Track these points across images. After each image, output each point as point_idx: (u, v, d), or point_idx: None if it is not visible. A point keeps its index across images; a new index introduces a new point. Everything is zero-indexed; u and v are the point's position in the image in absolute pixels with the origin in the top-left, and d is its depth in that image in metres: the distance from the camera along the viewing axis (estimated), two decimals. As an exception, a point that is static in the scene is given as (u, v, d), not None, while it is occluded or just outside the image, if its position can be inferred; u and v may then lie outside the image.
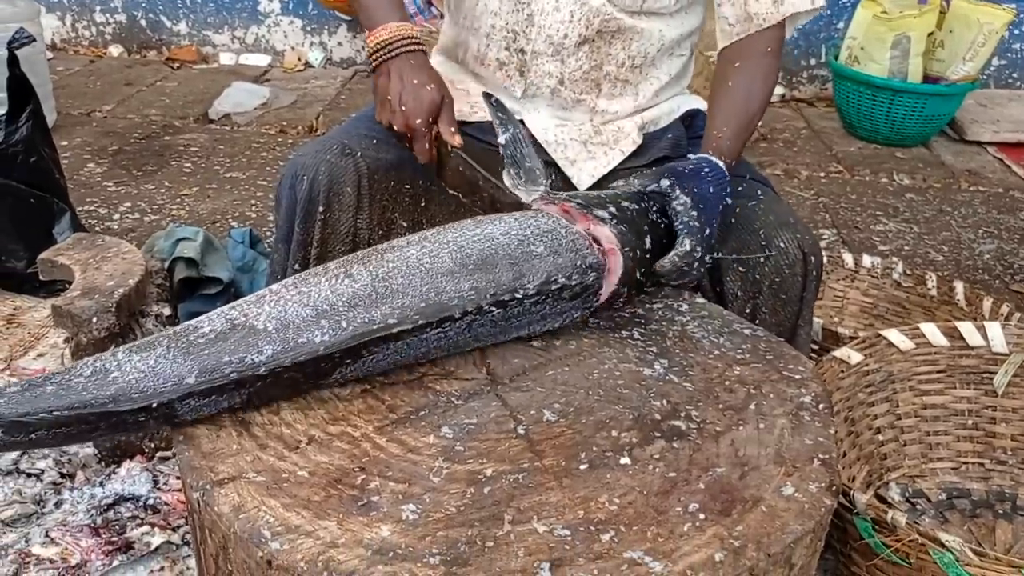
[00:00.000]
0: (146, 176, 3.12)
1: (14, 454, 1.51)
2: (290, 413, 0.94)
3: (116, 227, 2.71)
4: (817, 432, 0.95)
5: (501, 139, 1.25)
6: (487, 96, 1.32)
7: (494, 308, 0.99)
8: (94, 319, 1.60)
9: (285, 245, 1.40)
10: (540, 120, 1.45)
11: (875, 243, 2.90)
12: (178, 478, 1.50)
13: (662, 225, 1.15)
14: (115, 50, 4.53)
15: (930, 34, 3.56)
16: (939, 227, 3.06)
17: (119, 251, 1.83)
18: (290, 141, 3.53)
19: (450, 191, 1.35)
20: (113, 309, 1.62)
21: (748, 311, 1.30)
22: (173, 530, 1.41)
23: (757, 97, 1.35)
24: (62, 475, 1.48)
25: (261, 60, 4.48)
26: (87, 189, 2.97)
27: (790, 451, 0.91)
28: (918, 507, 1.60)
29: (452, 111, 1.31)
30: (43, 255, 1.85)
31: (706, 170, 1.19)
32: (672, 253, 1.11)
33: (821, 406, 0.99)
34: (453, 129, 1.30)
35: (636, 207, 1.14)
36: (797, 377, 1.04)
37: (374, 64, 1.32)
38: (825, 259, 2.17)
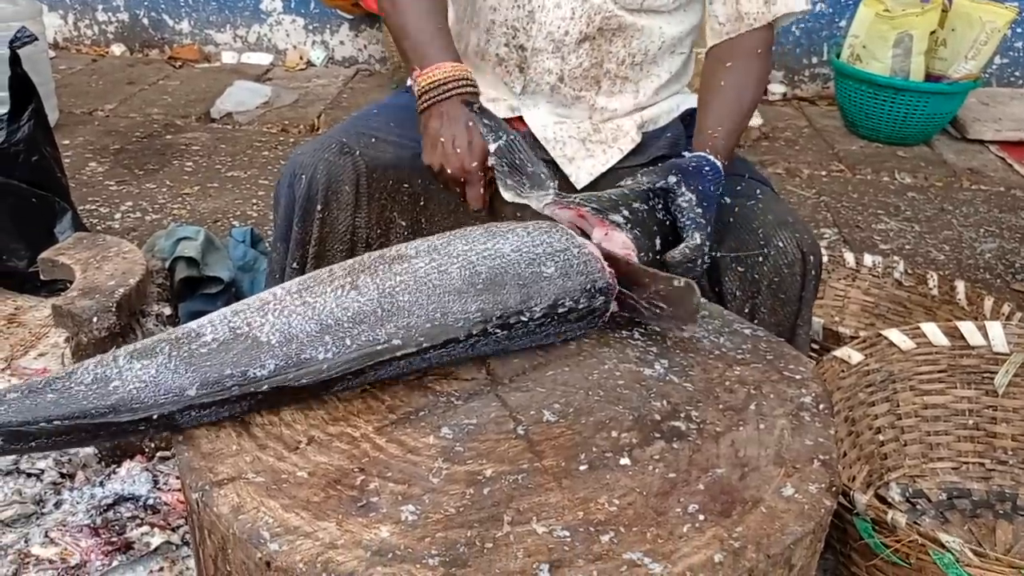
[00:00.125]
0: (148, 175, 3.12)
1: (15, 454, 1.52)
2: (290, 413, 0.94)
3: (117, 226, 2.71)
4: (817, 433, 0.94)
5: (492, 147, 1.22)
6: (469, 105, 1.27)
7: (499, 330, 0.99)
8: (94, 319, 1.60)
9: (284, 244, 1.40)
10: (539, 117, 1.45)
11: (876, 242, 2.90)
12: (178, 478, 1.50)
13: (667, 223, 1.15)
14: (117, 49, 4.53)
15: (932, 32, 3.55)
16: (941, 226, 3.05)
17: (120, 250, 1.83)
18: (292, 140, 3.53)
19: None
20: (113, 309, 1.62)
21: (747, 311, 1.30)
22: (173, 530, 1.41)
23: (749, 99, 1.36)
24: (62, 475, 1.48)
25: (263, 59, 4.47)
26: (89, 188, 2.97)
27: (790, 452, 0.91)
28: (918, 507, 1.60)
29: None
30: (43, 254, 1.85)
31: (706, 169, 1.20)
32: (683, 246, 1.11)
33: (821, 406, 0.99)
34: None
35: (646, 207, 1.13)
36: (797, 377, 1.04)
37: (426, 104, 1.27)
38: (826, 258, 2.18)
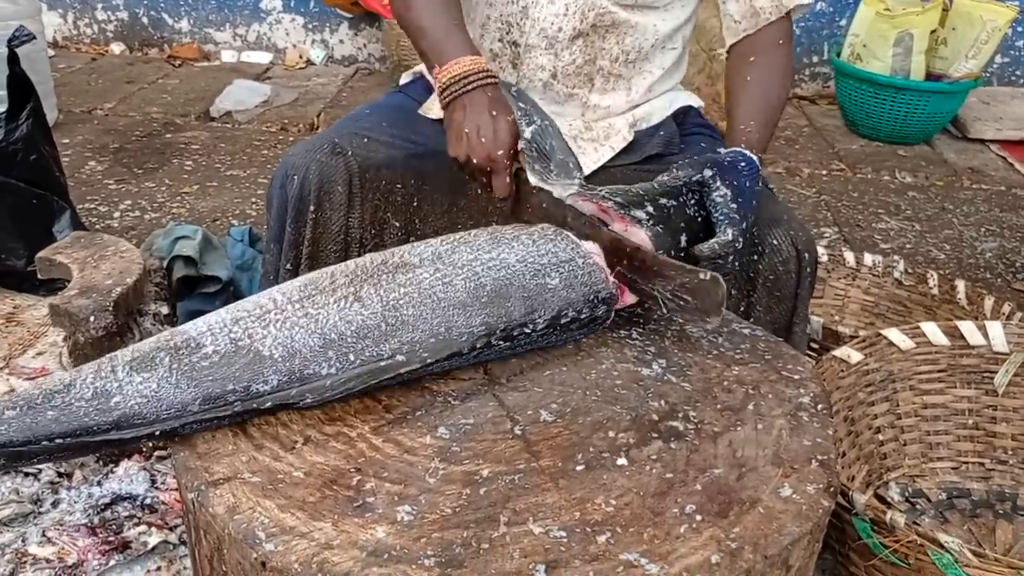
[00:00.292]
0: (147, 174, 3.11)
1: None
2: (286, 413, 0.94)
3: (116, 225, 2.71)
4: (815, 433, 0.94)
5: (527, 132, 1.21)
6: (507, 86, 1.27)
7: (502, 342, 0.99)
8: (91, 318, 1.59)
9: (277, 245, 1.39)
10: None
11: (877, 241, 2.89)
12: (175, 477, 1.50)
13: (699, 219, 1.14)
14: (117, 48, 4.53)
15: (933, 31, 3.54)
16: (941, 225, 3.05)
17: (117, 250, 1.83)
18: (291, 139, 3.53)
19: None
20: (111, 308, 1.62)
21: (743, 309, 1.30)
22: (170, 530, 1.40)
23: (777, 90, 1.36)
24: (60, 474, 1.48)
25: (263, 58, 4.47)
26: (88, 187, 2.96)
27: (788, 452, 0.91)
28: (918, 507, 1.59)
29: None
30: (41, 253, 1.84)
31: (742, 164, 1.19)
32: (713, 240, 1.11)
33: (820, 406, 0.99)
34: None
35: (674, 203, 1.12)
36: (796, 377, 1.04)
37: (448, 99, 1.26)
38: (826, 257, 2.18)
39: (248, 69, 4.32)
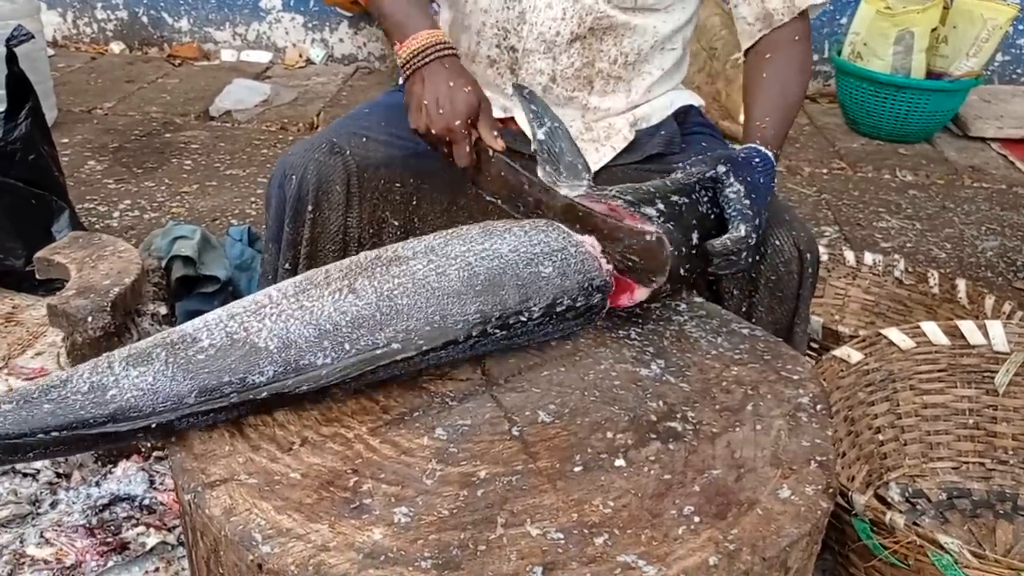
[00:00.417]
0: (146, 174, 3.11)
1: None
2: (283, 414, 0.93)
3: (116, 225, 2.71)
4: (814, 434, 0.94)
5: (540, 134, 1.22)
6: (519, 88, 1.27)
7: (498, 331, 0.98)
8: (89, 318, 1.59)
9: (275, 245, 1.39)
10: None
11: (877, 240, 2.89)
12: (172, 478, 1.49)
13: (711, 216, 1.14)
14: (116, 47, 4.53)
15: (933, 30, 3.54)
16: (942, 224, 3.04)
17: (115, 249, 1.83)
18: (291, 138, 3.52)
19: (488, 198, 1.28)
20: (109, 308, 1.61)
21: (744, 309, 1.30)
22: (169, 531, 1.40)
23: (794, 87, 1.35)
24: (58, 475, 1.47)
25: (262, 57, 4.47)
26: (87, 187, 2.96)
27: (787, 453, 0.91)
28: (918, 507, 1.59)
29: (491, 113, 1.28)
30: (39, 253, 1.84)
31: (756, 160, 1.19)
32: (725, 236, 1.11)
33: (819, 407, 0.98)
34: (495, 132, 1.26)
35: (686, 200, 1.12)
36: (795, 378, 1.03)
37: (408, 72, 1.27)
38: (826, 257, 2.17)
39: (248, 68, 4.32)
